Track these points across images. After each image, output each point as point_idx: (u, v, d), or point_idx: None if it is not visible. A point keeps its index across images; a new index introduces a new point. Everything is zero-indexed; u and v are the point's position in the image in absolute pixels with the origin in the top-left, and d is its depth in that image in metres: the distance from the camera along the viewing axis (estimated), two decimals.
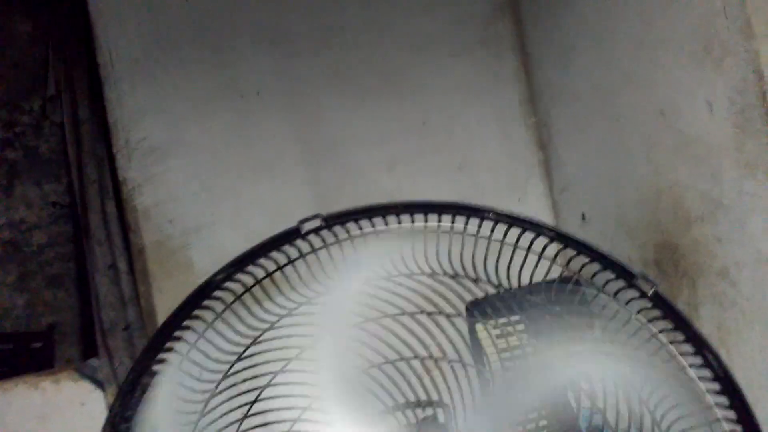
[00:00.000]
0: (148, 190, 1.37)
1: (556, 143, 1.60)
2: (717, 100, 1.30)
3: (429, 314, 0.73)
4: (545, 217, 1.55)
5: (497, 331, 0.77)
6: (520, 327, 0.77)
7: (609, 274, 0.67)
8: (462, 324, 0.72)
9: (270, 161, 1.46)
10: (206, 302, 0.74)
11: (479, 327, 0.79)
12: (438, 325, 0.71)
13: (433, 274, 0.73)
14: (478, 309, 0.77)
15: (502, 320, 0.76)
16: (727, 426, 0.61)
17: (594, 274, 0.68)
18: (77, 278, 1.45)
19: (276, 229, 1.43)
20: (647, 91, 1.35)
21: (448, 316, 0.72)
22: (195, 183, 1.40)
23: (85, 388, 1.34)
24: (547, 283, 0.72)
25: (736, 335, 1.20)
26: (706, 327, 1.19)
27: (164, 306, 1.37)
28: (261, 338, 0.75)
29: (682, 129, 1.41)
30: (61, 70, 1.36)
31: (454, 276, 0.73)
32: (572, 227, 1.51)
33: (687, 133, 1.43)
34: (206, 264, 1.41)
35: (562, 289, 0.73)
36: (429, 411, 0.73)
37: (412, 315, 0.73)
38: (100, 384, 1.33)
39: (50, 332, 1.41)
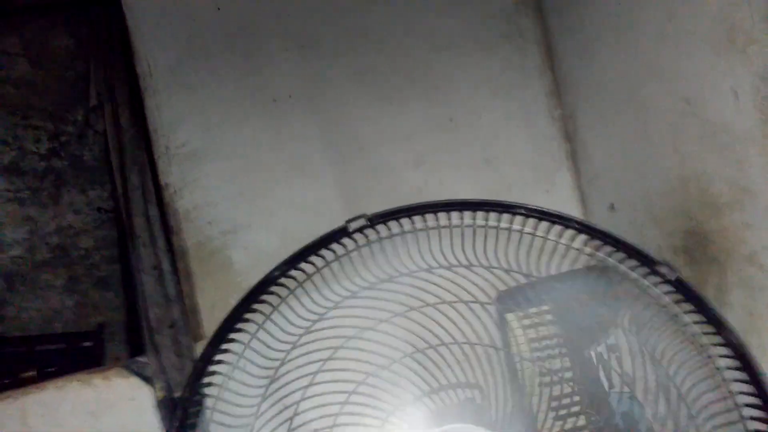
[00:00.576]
0: (187, 194, 1.43)
1: (582, 135, 1.62)
2: (742, 88, 1.31)
3: (466, 303, 0.76)
4: (573, 208, 1.57)
5: (527, 321, 0.80)
6: (549, 317, 0.80)
7: (633, 262, 0.71)
8: (495, 312, 0.75)
9: (301, 162, 1.51)
10: (264, 297, 0.80)
11: (510, 316, 0.82)
12: (474, 312, 0.75)
13: (469, 266, 0.77)
14: (509, 299, 0.80)
15: (532, 310, 0.79)
16: (745, 399, 0.64)
17: (620, 262, 0.71)
18: (123, 280, 1.52)
19: (308, 228, 1.49)
20: (671, 81, 1.37)
21: (483, 304, 0.75)
22: (231, 186, 1.46)
23: (134, 384, 1.40)
24: (574, 273, 0.75)
25: (766, 319, 1.22)
26: (736, 312, 1.21)
27: (207, 304, 1.43)
28: (312, 328, 0.80)
29: (708, 117, 1.42)
30: (102, 81, 1.43)
31: (488, 267, 0.76)
32: (601, 217, 1.53)
33: (713, 122, 1.44)
34: (245, 263, 1.47)
35: (589, 278, 0.76)
36: (467, 392, 0.77)
37: (450, 303, 0.77)
38: (148, 380, 1.39)
39: (99, 331, 1.48)
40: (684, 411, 0.71)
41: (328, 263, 0.79)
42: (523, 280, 0.73)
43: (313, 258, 0.79)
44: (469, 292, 0.75)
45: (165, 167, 1.42)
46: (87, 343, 1.43)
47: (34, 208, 1.46)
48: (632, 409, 0.75)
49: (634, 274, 0.70)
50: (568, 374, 0.78)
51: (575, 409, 0.81)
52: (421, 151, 1.54)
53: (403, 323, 0.80)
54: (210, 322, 1.44)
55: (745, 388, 0.66)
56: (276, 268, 0.81)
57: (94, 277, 1.50)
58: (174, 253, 1.42)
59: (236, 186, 1.46)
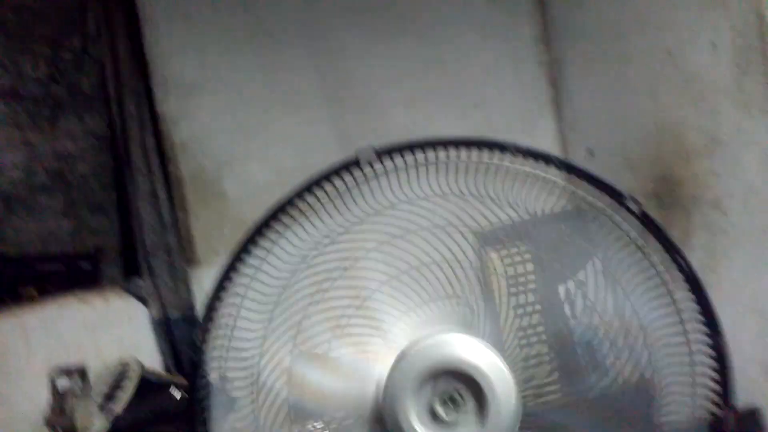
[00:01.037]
0: (184, 124, 1.47)
1: (566, 81, 1.68)
2: (720, 40, 1.37)
3: (457, 227, 0.84)
4: (553, 152, 1.64)
5: (507, 260, 0.88)
6: (527, 256, 0.87)
7: (606, 197, 0.79)
8: (478, 242, 0.83)
9: (295, 98, 1.55)
10: (282, 217, 0.87)
11: (492, 254, 0.90)
12: (464, 236, 0.83)
13: (462, 196, 0.84)
14: (490, 237, 0.87)
15: (513, 249, 0.86)
16: (695, 324, 0.73)
17: (594, 197, 0.79)
18: (119, 206, 1.57)
19: (302, 163, 1.54)
20: (655, 32, 1.42)
21: (472, 229, 0.83)
22: (226, 118, 1.50)
23: (131, 304, 1.48)
24: (553, 215, 0.83)
25: (726, 260, 1.31)
26: (697, 253, 1.30)
27: (201, 232, 1.49)
28: (325, 250, 0.88)
29: (687, 69, 1.49)
30: (100, 10, 1.45)
31: (480, 198, 0.84)
32: (579, 162, 1.60)
33: (691, 73, 1.50)
34: (239, 195, 1.52)
35: (566, 220, 0.84)
36: (453, 302, 0.86)
37: (443, 228, 0.85)
38: (144, 300, 1.46)
39: (97, 254, 1.54)
40: (641, 341, 0.80)
41: (339, 191, 0.87)
42: (510, 211, 0.81)
43: (325, 185, 0.87)
44: (461, 219, 0.83)
45: (162, 98, 1.46)
46: (85, 265, 1.49)
47: (33, 133, 1.49)
48: (593, 341, 0.83)
49: (608, 210, 0.78)
50: (538, 307, 0.85)
51: (540, 338, 0.88)
52: (412, 91, 1.58)
53: (403, 245, 0.87)
54: (204, 248, 1.51)
55: (697, 315, 0.75)
56: (293, 192, 0.88)
57: (90, 202, 1.55)
58: (170, 181, 1.47)
59: (232, 119, 1.50)
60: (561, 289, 0.84)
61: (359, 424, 0.84)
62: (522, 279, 0.85)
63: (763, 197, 1.37)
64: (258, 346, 0.91)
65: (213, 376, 0.91)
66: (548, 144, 1.62)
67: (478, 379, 0.79)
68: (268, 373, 0.90)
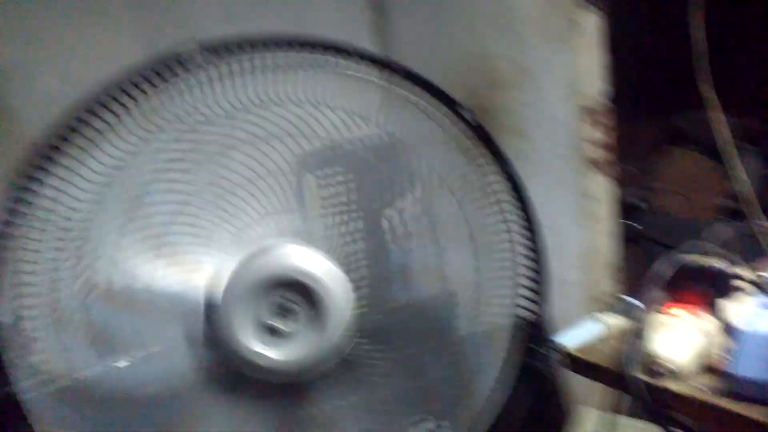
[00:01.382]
0: None
1: (388, 6, 1.66)
2: None
3: (280, 139, 0.80)
4: None
5: (323, 182, 0.86)
6: (345, 177, 0.86)
7: (441, 106, 0.79)
8: (307, 146, 0.80)
9: (97, 5, 1.39)
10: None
11: (309, 178, 0.87)
12: (289, 148, 0.80)
13: (289, 104, 0.80)
14: (308, 160, 0.85)
15: (328, 171, 0.85)
16: (519, 231, 0.77)
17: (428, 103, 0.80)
18: None
19: (102, 74, 1.39)
20: None
21: (298, 141, 0.80)
22: (12, 22, 1.31)
23: None
24: (371, 137, 0.82)
25: (529, 185, 1.40)
26: None
27: None
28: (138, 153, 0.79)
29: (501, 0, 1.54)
30: None
31: (315, 105, 0.80)
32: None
33: (503, 4, 1.56)
34: (29, 110, 1.35)
35: (386, 148, 0.84)
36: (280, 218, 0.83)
37: (266, 141, 0.81)
38: None
39: None
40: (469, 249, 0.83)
41: (160, 90, 0.77)
42: (345, 117, 0.79)
43: (135, 89, 0.77)
44: (287, 131, 0.79)
45: None
46: None
47: None
48: (409, 261, 0.85)
49: (439, 115, 0.79)
50: (359, 234, 0.85)
51: (362, 262, 0.88)
52: (227, 5, 1.49)
53: (225, 162, 0.81)
54: None
55: (522, 223, 0.79)
56: (106, 88, 0.77)
57: None
58: None
59: (18, 23, 1.31)
60: (381, 214, 0.84)
61: (186, 351, 0.80)
62: (339, 203, 0.84)
63: (565, 126, 1.48)
64: (60, 279, 0.81)
65: (5, 318, 0.80)
66: None
67: (313, 285, 0.78)
68: (72, 308, 0.81)
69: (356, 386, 0.87)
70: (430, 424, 0.89)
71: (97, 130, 0.82)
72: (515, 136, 1.54)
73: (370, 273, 0.87)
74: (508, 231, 0.82)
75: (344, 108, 0.81)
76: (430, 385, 0.88)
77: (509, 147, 1.44)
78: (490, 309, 0.85)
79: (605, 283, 1.64)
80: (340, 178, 0.85)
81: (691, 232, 1.90)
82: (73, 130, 0.78)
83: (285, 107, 0.79)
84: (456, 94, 1.60)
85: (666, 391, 0.72)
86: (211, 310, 0.79)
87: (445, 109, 0.81)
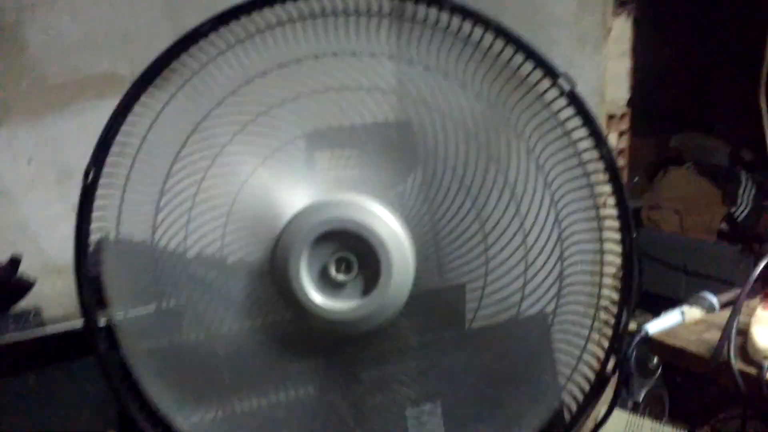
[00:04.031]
0: None
1: None
2: None
3: (353, 90, 0.76)
4: None
5: (341, 161, 0.83)
6: (357, 160, 0.83)
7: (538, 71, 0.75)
8: (380, 97, 0.76)
9: None
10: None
11: (318, 155, 0.84)
12: (361, 99, 0.76)
13: (373, 55, 0.75)
14: (321, 138, 0.82)
15: (337, 152, 0.82)
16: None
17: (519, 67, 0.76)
18: None
19: (120, 22, 1.31)
20: None
21: (369, 90, 0.76)
22: None
23: None
24: (385, 124, 0.80)
25: None
26: None
27: None
28: (210, 114, 0.76)
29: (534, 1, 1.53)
30: None
31: (391, 57, 0.76)
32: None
33: (537, 5, 1.55)
34: (41, 48, 1.25)
35: (396, 131, 0.81)
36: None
37: (338, 91, 0.76)
38: None
39: None
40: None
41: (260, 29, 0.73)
42: (419, 70, 0.75)
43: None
44: (355, 80, 0.75)
45: None
46: None
47: None
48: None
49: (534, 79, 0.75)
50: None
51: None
52: None
53: (294, 108, 0.77)
54: None
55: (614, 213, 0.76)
56: (206, 21, 0.72)
57: None
58: None
59: None
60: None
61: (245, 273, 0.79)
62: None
63: None
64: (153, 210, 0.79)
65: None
66: None
67: (376, 246, 0.74)
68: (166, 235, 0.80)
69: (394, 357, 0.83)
70: (428, 406, 0.87)
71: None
72: None
73: (434, 242, 0.83)
74: (598, 218, 0.79)
75: (440, 69, 0.77)
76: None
77: None
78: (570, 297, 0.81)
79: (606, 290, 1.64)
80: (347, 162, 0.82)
81: (684, 250, 1.94)
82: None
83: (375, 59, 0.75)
84: None
85: (762, 379, 0.70)
86: (273, 254, 0.76)
87: (539, 73, 0.76)
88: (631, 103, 1.60)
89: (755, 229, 1.85)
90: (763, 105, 1.19)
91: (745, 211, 1.86)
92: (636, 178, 2.02)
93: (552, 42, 1.54)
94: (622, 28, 1.55)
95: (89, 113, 1.31)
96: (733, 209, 1.90)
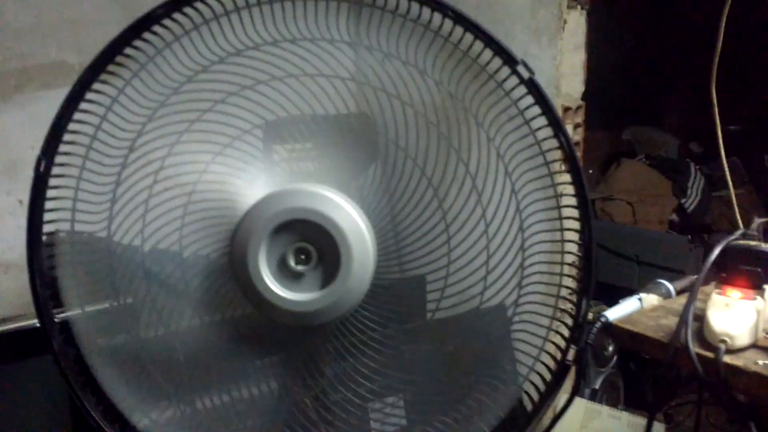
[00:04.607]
0: None
1: None
2: None
3: (311, 76, 0.75)
4: None
5: (293, 154, 0.82)
6: (312, 153, 0.82)
7: (496, 59, 0.75)
8: (340, 83, 0.75)
9: None
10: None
11: (277, 147, 0.83)
12: (320, 86, 0.74)
13: (332, 41, 0.74)
14: (275, 130, 0.81)
15: (297, 145, 0.81)
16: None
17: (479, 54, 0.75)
18: None
19: (67, 5, 1.27)
20: None
21: (328, 77, 0.75)
22: None
23: None
24: (339, 117, 0.79)
25: None
26: None
27: None
28: (167, 102, 0.74)
29: None
30: None
31: (351, 43, 0.75)
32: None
33: None
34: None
35: (356, 121, 0.80)
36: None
37: (297, 77, 0.75)
38: None
39: None
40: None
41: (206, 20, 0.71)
42: (378, 57, 0.74)
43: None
44: (314, 66, 0.74)
45: None
46: None
47: None
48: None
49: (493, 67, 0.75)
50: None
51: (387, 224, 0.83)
52: None
53: (253, 96, 0.75)
54: None
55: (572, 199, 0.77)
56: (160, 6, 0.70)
57: None
58: None
59: None
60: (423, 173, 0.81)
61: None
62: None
63: None
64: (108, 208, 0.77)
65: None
66: None
67: (336, 237, 0.73)
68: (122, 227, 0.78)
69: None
70: (390, 399, 0.87)
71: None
72: None
73: (394, 233, 0.83)
74: (558, 207, 0.79)
75: (399, 57, 0.76)
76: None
77: None
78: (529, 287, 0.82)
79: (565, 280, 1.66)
80: (301, 154, 0.82)
81: (636, 241, 1.98)
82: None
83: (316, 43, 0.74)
84: None
85: (719, 362, 0.72)
86: (232, 245, 0.74)
87: (498, 60, 0.76)
88: (585, 96, 1.62)
89: (704, 219, 1.91)
90: (713, 97, 1.21)
91: (695, 203, 1.92)
92: (590, 171, 2.05)
93: (508, 35, 1.55)
94: (577, 21, 1.56)
95: (36, 104, 1.26)
96: (683, 200, 1.94)
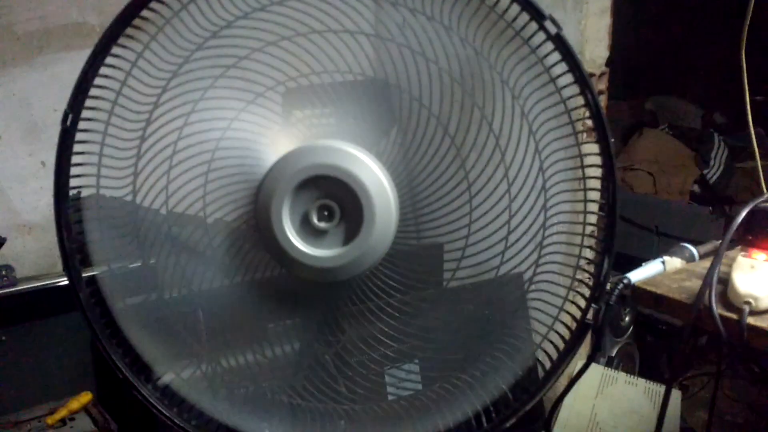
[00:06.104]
0: None
1: None
2: None
3: (336, 32, 0.74)
4: None
5: (314, 120, 0.81)
6: (332, 120, 0.81)
7: (524, 15, 0.74)
8: (364, 40, 0.75)
9: None
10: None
11: (297, 113, 0.82)
12: (344, 42, 0.74)
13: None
14: (296, 96, 0.80)
15: (316, 110, 0.80)
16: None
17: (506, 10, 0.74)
18: None
19: None
20: None
21: (353, 33, 0.74)
22: None
23: None
24: (360, 83, 0.78)
25: None
26: None
27: None
28: (191, 57, 0.73)
29: None
30: None
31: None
32: None
33: None
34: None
35: (370, 88, 0.79)
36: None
37: (321, 33, 0.74)
38: None
39: None
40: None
41: None
42: (406, 13, 0.73)
43: None
44: (339, 22, 0.73)
45: None
46: None
47: None
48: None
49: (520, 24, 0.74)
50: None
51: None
52: None
53: (277, 52, 0.74)
54: None
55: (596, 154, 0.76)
56: None
57: None
58: None
59: None
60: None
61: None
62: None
63: None
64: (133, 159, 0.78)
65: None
66: None
67: (359, 193, 0.72)
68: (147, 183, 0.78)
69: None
70: (407, 365, 0.87)
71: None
72: None
73: (412, 201, 0.82)
74: (582, 166, 0.78)
75: (425, 13, 0.75)
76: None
77: None
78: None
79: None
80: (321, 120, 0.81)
81: (657, 211, 1.97)
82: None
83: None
84: None
85: (742, 323, 0.71)
86: (256, 202, 0.75)
87: (525, 16, 0.75)
88: (609, 62, 1.60)
89: (726, 190, 1.88)
90: (743, 65, 1.19)
91: (717, 173, 1.89)
92: (612, 140, 2.03)
93: None
94: None
95: (58, 65, 1.26)
96: (705, 171, 1.92)
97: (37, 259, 1.36)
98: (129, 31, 0.72)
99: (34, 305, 1.24)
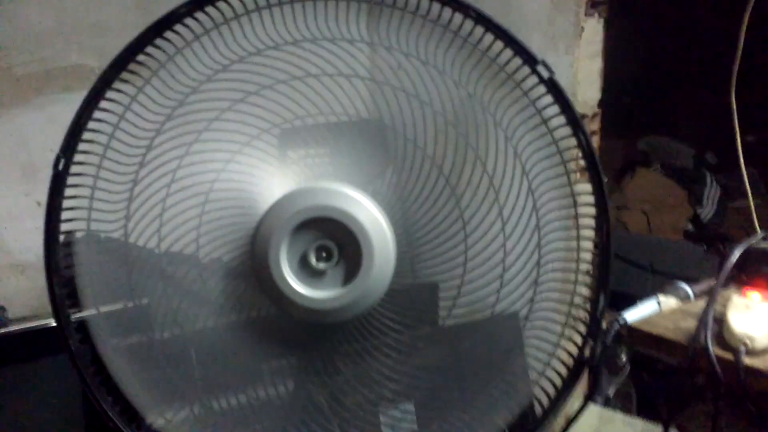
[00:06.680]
0: None
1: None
2: None
3: (330, 76, 0.75)
4: None
5: (309, 160, 0.82)
6: (327, 159, 0.82)
7: (517, 60, 0.75)
8: (359, 83, 0.76)
9: None
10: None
11: (291, 153, 0.83)
12: (339, 85, 0.75)
13: (352, 41, 0.75)
14: (290, 137, 0.81)
15: (311, 150, 0.81)
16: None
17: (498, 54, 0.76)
18: None
19: (91, 11, 1.28)
20: None
21: (348, 77, 0.75)
22: None
23: None
24: (354, 123, 0.80)
25: None
26: None
27: None
28: (186, 101, 0.74)
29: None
30: None
31: (351, 41, 0.75)
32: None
33: (513, 4, 1.55)
34: (6, 37, 1.22)
35: (365, 128, 0.81)
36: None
37: (317, 77, 0.75)
38: None
39: None
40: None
41: (216, 24, 0.72)
42: (400, 57, 0.74)
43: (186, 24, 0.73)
44: (334, 66, 0.75)
45: None
46: None
47: None
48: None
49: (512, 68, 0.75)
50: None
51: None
52: None
53: (272, 95, 0.75)
54: None
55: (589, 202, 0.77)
56: (181, 5, 0.71)
57: None
58: None
59: None
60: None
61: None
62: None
63: None
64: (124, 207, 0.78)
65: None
66: None
67: (357, 234, 0.73)
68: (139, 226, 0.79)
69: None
70: (403, 405, 0.87)
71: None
72: None
73: (407, 240, 0.83)
74: (575, 205, 0.79)
75: (419, 57, 0.76)
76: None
77: None
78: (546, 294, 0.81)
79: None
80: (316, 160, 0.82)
81: (651, 250, 1.97)
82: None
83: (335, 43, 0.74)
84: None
85: (739, 364, 0.71)
86: (252, 244, 0.75)
87: (518, 60, 0.76)
88: (601, 104, 1.62)
89: (720, 229, 1.90)
90: (734, 105, 1.21)
91: (711, 212, 1.91)
92: (605, 180, 2.05)
93: (525, 41, 1.55)
94: (595, 29, 1.56)
95: (56, 106, 1.28)
96: (698, 210, 1.93)
97: (29, 299, 1.35)
98: (124, 75, 0.73)
99: (25, 346, 1.22)
